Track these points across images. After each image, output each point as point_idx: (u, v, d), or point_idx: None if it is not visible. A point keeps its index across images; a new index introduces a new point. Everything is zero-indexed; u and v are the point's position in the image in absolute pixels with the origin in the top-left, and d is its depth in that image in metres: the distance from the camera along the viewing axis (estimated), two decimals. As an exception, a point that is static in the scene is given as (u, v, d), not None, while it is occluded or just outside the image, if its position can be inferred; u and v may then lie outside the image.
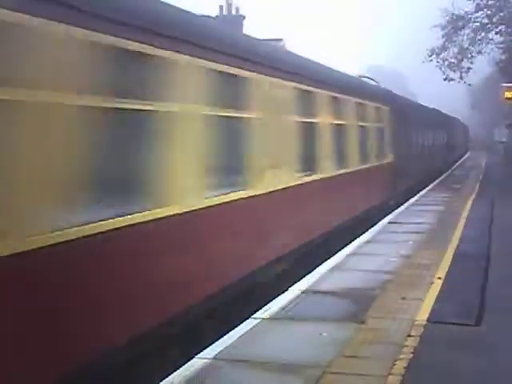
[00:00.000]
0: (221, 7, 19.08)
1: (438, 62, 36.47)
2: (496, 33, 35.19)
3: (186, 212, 6.74)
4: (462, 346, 6.33)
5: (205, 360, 5.93)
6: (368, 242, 12.43)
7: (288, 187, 9.89)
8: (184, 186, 6.76)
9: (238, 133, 8.49)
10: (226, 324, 7.03)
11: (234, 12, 19.16)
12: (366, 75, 23.67)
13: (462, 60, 35.83)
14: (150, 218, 6.11)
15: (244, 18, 18.74)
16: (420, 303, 7.78)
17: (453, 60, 36.02)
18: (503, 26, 34.67)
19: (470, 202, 19.19)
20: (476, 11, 35.10)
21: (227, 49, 8.09)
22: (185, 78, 6.82)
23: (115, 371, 5.63)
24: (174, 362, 6.09)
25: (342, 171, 13.24)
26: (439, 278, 9.00)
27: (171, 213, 6.46)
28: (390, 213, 16.81)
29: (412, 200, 20.25)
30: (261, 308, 7.60)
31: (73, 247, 5.03)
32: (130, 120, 6.03)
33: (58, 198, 5.01)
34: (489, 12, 34.79)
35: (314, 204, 11.25)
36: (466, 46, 35.99)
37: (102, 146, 5.58)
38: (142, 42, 6.07)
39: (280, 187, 9.52)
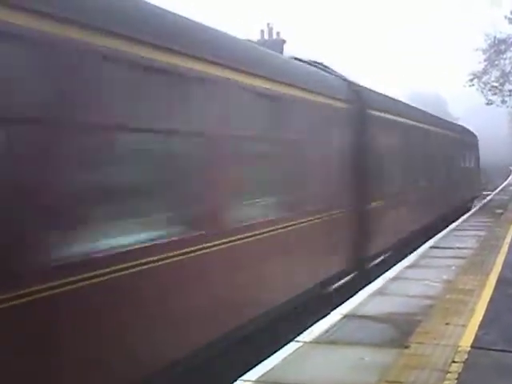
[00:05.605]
0: (262, 31, 19.29)
1: (479, 85, 36.21)
2: (539, 56, 34.88)
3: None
4: (507, 372, 6.24)
5: (247, 383, 5.95)
6: (410, 266, 12.34)
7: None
8: None
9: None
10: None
11: (274, 36, 19.33)
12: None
13: (504, 83, 35.52)
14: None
15: (284, 41, 18.88)
16: (463, 329, 7.70)
17: (495, 84, 35.73)
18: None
19: (513, 228, 18.91)
20: (518, 34, 34.83)
21: None
22: None
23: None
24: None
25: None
26: (483, 304, 8.90)
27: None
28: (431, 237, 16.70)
29: (453, 225, 20.06)
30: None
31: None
32: None
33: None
34: (531, 35, 34.52)
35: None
36: (508, 69, 35.69)
37: None
38: None
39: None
